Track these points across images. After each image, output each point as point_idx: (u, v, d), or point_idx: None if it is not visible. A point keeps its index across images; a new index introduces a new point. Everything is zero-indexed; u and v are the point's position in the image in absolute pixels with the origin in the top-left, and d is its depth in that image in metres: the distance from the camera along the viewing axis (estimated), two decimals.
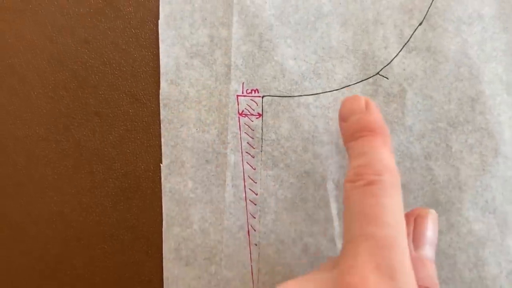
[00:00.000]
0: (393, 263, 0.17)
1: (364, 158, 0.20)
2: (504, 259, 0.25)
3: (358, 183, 0.19)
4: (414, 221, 0.22)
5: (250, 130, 0.26)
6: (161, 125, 0.27)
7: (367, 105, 0.22)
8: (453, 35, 0.26)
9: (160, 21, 0.27)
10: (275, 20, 0.26)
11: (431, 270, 0.21)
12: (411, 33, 0.26)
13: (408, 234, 0.20)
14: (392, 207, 0.18)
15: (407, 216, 0.21)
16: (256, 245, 0.26)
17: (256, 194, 0.26)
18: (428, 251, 0.21)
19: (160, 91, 0.27)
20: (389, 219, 0.18)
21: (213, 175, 0.26)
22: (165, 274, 0.27)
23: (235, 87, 0.26)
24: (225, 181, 0.26)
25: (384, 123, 0.21)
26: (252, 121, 0.26)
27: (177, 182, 0.27)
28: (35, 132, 0.28)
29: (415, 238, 0.21)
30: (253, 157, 0.26)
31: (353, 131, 0.21)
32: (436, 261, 0.25)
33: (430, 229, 0.21)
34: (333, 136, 0.26)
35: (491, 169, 0.25)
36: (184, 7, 0.26)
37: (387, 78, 0.26)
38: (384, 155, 0.20)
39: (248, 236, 0.26)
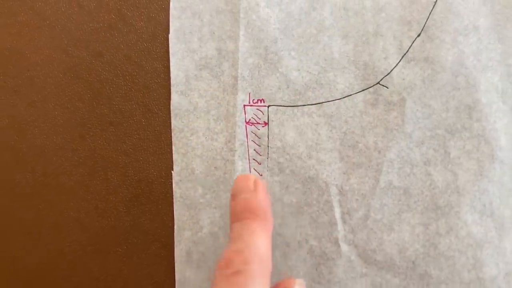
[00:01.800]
0: None
1: (239, 244, 0.20)
2: (501, 261, 0.26)
3: (226, 272, 0.19)
4: None
5: (256, 138, 0.27)
6: (172, 134, 0.27)
7: (255, 185, 0.22)
8: (450, 46, 0.26)
9: (170, 35, 0.27)
10: (280, 34, 0.27)
11: None
12: (410, 44, 0.27)
13: None
14: None
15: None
16: None
17: None
18: None
19: (171, 101, 0.27)
20: None
21: (221, 181, 0.27)
22: (177, 276, 0.27)
23: (242, 97, 0.27)
24: None
25: (268, 206, 0.22)
26: (259, 129, 0.27)
27: (188, 188, 0.27)
28: (52, 141, 0.29)
29: None
30: (260, 164, 0.27)
31: (237, 211, 0.21)
32: (436, 262, 0.26)
33: None
34: (336, 143, 0.27)
35: (488, 174, 0.26)
36: (193, 21, 0.27)
37: (387, 88, 0.27)
38: (259, 241, 0.20)
39: None
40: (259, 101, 0.27)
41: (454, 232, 0.26)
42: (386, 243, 0.26)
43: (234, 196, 0.22)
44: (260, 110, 0.27)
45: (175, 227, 0.28)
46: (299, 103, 0.27)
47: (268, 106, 0.27)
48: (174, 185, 0.28)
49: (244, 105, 0.27)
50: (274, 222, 0.27)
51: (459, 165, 0.26)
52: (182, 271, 0.27)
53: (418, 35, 0.26)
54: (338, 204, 0.27)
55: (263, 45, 0.27)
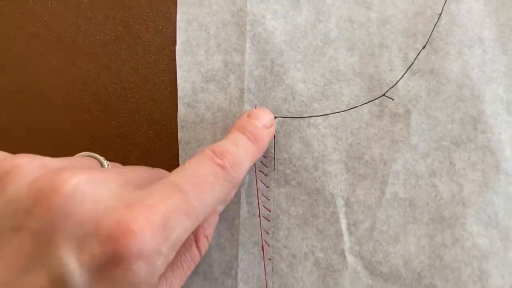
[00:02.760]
0: None
1: (234, 147, 0.22)
2: (507, 272, 0.26)
3: (214, 159, 0.21)
4: None
5: None
6: (179, 146, 0.28)
7: (271, 126, 0.26)
8: (455, 57, 0.26)
9: (177, 48, 0.28)
10: (286, 46, 0.27)
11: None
12: (415, 56, 0.27)
13: None
14: None
15: None
16: (269, 259, 0.27)
17: (269, 211, 0.27)
18: None
19: (178, 113, 0.28)
20: None
21: None
22: (184, 287, 0.28)
23: (248, 109, 0.27)
24: (240, 198, 0.27)
25: (266, 145, 0.25)
26: None
27: None
28: (60, 153, 0.29)
29: None
30: (266, 176, 0.27)
31: (245, 126, 0.24)
32: (442, 274, 0.26)
33: None
34: (342, 155, 0.27)
35: (493, 186, 0.26)
36: (199, 34, 0.28)
37: (393, 99, 0.27)
38: (247, 161, 0.23)
39: (262, 251, 0.27)
40: None
41: (460, 243, 0.26)
42: (392, 255, 0.26)
43: (251, 116, 0.25)
44: None
45: None
46: (305, 115, 0.27)
47: (275, 118, 0.27)
48: None
49: None
50: (280, 234, 0.27)
51: (464, 177, 0.26)
52: (189, 282, 0.28)
53: (423, 47, 0.27)
54: (344, 215, 0.27)
55: (269, 57, 0.27)
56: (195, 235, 0.22)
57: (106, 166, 0.22)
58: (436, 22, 0.27)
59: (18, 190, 0.17)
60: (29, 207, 0.17)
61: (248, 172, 0.27)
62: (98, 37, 0.29)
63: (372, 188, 0.27)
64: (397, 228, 0.26)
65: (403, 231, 0.26)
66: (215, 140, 0.28)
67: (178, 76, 0.28)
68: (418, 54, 0.27)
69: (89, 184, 0.17)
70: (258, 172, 0.27)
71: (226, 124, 0.28)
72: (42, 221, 0.16)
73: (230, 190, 0.21)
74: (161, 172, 0.24)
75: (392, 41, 0.27)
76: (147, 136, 0.28)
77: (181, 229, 0.18)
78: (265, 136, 0.25)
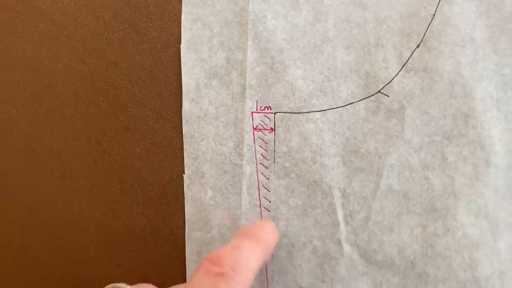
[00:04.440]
0: None
1: (236, 251, 0.22)
2: (495, 260, 0.27)
3: (212, 267, 0.20)
4: None
5: (263, 143, 0.28)
6: (184, 139, 0.28)
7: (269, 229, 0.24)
8: (447, 56, 0.27)
9: (182, 46, 0.28)
10: (286, 44, 0.28)
11: None
12: (410, 54, 0.27)
13: None
14: None
15: None
16: None
17: (270, 202, 0.28)
18: None
19: (182, 108, 0.28)
20: None
21: (230, 184, 0.28)
22: (188, 274, 0.28)
23: (249, 104, 0.28)
24: (241, 189, 0.28)
25: (272, 244, 0.24)
26: (266, 135, 0.28)
27: (198, 191, 0.28)
28: (70, 145, 0.30)
29: None
30: (267, 168, 0.28)
31: (247, 231, 0.23)
32: (434, 262, 0.27)
33: None
34: (339, 149, 0.28)
35: (483, 178, 0.27)
36: (203, 32, 0.28)
37: (388, 96, 0.27)
38: (253, 260, 0.22)
39: None
40: (266, 108, 0.28)
41: (451, 233, 0.27)
42: (386, 244, 0.27)
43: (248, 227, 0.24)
44: (267, 117, 0.28)
45: (186, 227, 0.29)
46: (304, 110, 0.28)
47: (275, 113, 0.28)
48: (185, 187, 0.29)
49: (252, 112, 0.28)
50: (280, 223, 0.28)
51: (455, 170, 0.27)
52: (193, 269, 0.28)
53: (417, 46, 0.27)
54: (341, 206, 0.28)
55: (270, 55, 0.28)
56: None
57: None
58: (430, 23, 0.27)
59: None
60: None
61: (249, 164, 0.28)
62: (106, 35, 0.30)
63: (367, 181, 0.28)
64: (391, 219, 0.28)
65: (397, 221, 0.28)
66: (217, 134, 0.29)
67: (182, 72, 0.28)
68: (412, 53, 0.27)
69: None
70: (259, 165, 0.28)
71: (228, 118, 0.29)
72: None
73: None
74: None
75: (387, 40, 0.27)
76: (153, 130, 0.29)
77: None
78: (269, 234, 0.24)
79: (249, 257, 0.22)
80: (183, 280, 0.29)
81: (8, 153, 0.30)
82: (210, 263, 0.21)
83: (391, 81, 0.28)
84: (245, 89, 0.28)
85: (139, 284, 0.24)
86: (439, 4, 0.27)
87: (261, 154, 0.28)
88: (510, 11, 0.27)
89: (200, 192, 0.29)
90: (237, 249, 0.22)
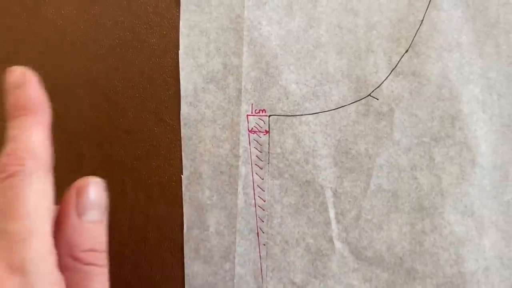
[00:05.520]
0: (25, 257, 0.16)
1: (12, 144, 0.18)
2: (481, 257, 0.27)
3: (1, 176, 0.18)
4: (76, 193, 0.20)
5: (258, 145, 0.29)
6: (182, 142, 0.29)
7: (24, 78, 0.20)
8: (435, 61, 0.28)
9: (180, 51, 0.29)
10: (280, 50, 0.29)
11: (96, 232, 0.20)
12: (399, 59, 0.28)
13: (72, 205, 0.19)
14: (32, 196, 0.17)
15: (70, 190, 0.20)
16: (264, 245, 0.29)
17: (264, 201, 0.29)
18: (92, 215, 0.20)
19: (181, 112, 0.29)
20: (26, 209, 0.17)
21: (226, 184, 0.29)
22: (186, 270, 0.29)
23: (245, 108, 0.29)
24: (237, 189, 0.29)
25: (40, 97, 0.20)
26: (260, 137, 0.29)
27: (196, 191, 0.29)
28: (72, 148, 0.30)
29: (78, 207, 0.20)
30: (261, 169, 0.29)
31: (10, 109, 0.19)
32: (421, 258, 0.28)
33: (93, 195, 0.20)
34: (331, 150, 0.28)
35: (469, 178, 0.28)
36: (200, 39, 0.29)
37: (378, 99, 0.28)
38: (33, 137, 0.18)
39: (257, 237, 0.29)
40: (261, 111, 0.29)
41: (438, 231, 0.28)
42: (376, 241, 0.28)
43: (6, 93, 0.20)
44: (261, 120, 0.29)
45: (184, 226, 0.29)
46: (297, 113, 0.29)
47: (269, 116, 0.29)
48: (183, 188, 0.29)
49: (247, 115, 0.29)
50: (274, 222, 0.29)
51: (443, 170, 0.28)
52: (191, 266, 0.29)
53: (406, 51, 0.28)
54: (332, 205, 0.29)
55: (264, 60, 0.29)
56: None
57: None
58: (418, 28, 0.28)
59: None
60: None
61: (245, 165, 0.29)
62: (107, 41, 0.30)
63: (358, 180, 0.29)
64: (381, 217, 0.28)
65: (386, 219, 0.28)
66: (214, 136, 0.29)
67: (181, 77, 0.29)
68: (401, 58, 0.28)
69: None
70: (254, 166, 0.29)
71: (225, 121, 0.29)
72: None
73: None
74: None
75: (377, 46, 0.28)
76: (153, 132, 0.30)
77: None
78: (31, 95, 0.20)
79: (38, 137, 0.19)
80: (182, 279, 0.29)
81: None
82: None
83: (380, 85, 0.28)
84: (240, 93, 0.29)
85: None
86: (427, 10, 0.28)
87: (256, 156, 0.29)
88: (495, 17, 0.28)
89: (198, 192, 0.29)
90: (25, 133, 0.19)
